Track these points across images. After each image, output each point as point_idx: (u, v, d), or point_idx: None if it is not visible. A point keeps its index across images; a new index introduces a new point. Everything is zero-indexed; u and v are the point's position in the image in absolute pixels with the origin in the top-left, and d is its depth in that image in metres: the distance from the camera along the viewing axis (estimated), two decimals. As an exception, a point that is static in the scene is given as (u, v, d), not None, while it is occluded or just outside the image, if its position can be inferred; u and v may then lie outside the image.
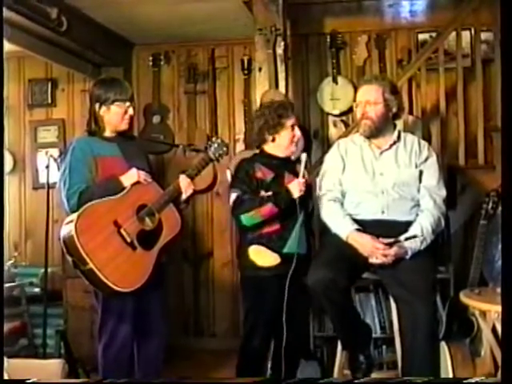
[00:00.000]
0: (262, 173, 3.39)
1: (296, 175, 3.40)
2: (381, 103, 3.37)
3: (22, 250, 5.50)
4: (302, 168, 3.31)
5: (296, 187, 3.28)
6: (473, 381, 2.49)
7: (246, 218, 3.32)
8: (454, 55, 4.36)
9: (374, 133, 3.39)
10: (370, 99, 3.37)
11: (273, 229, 3.34)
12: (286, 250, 3.32)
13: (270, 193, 3.33)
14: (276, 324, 3.34)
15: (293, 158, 3.55)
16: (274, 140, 3.42)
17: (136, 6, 4.54)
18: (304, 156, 3.34)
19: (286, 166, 3.49)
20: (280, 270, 3.29)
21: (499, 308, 2.54)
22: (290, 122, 3.42)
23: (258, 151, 3.53)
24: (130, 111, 3.19)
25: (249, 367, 3.38)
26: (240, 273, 3.52)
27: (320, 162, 3.85)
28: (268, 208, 3.29)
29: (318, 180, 3.52)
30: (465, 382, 2.56)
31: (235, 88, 5.38)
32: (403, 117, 3.94)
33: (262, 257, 3.33)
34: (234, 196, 3.37)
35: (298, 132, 3.45)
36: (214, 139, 3.40)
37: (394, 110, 3.42)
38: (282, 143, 3.42)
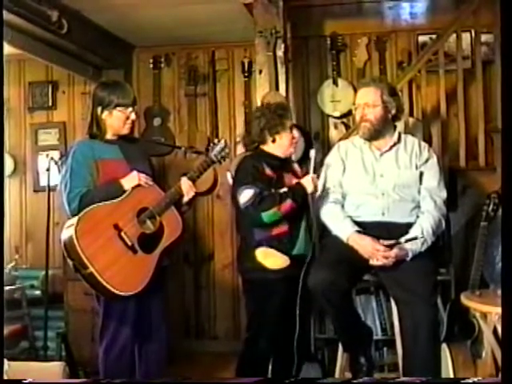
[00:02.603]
0: (270, 171, 3.36)
1: (294, 174, 3.44)
2: (379, 105, 3.37)
3: (22, 252, 5.50)
4: (311, 164, 3.31)
5: (310, 182, 3.28)
6: (470, 381, 2.49)
7: (268, 215, 3.24)
8: (455, 57, 4.36)
9: (374, 135, 3.40)
10: (369, 101, 3.38)
11: (282, 230, 3.31)
12: (295, 252, 3.31)
13: (285, 189, 3.31)
14: (281, 326, 3.34)
15: (293, 158, 3.56)
16: (274, 141, 3.40)
17: (136, 9, 4.54)
18: (313, 152, 3.35)
19: (285, 166, 3.49)
20: (288, 272, 3.28)
21: (500, 310, 2.54)
22: (289, 122, 3.42)
23: (255, 151, 3.49)
24: (132, 116, 3.17)
25: (253, 370, 3.35)
26: (243, 275, 3.47)
27: (320, 164, 3.84)
28: (288, 204, 3.24)
29: (318, 182, 3.52)
30: (463, 382, 2.56)
31: (236, 90, 5.39)
32: (403, 118, 3.94)
33: (272, 259, 3.29)
34: (250, 193, 3.26)
35: (296, 133, 3.47)
36: (216, 141, 3.39)
37: (393, 111, 3.42)
38: (283, 144, 3.41)
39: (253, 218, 3.29)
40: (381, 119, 3.37)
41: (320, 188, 3.44)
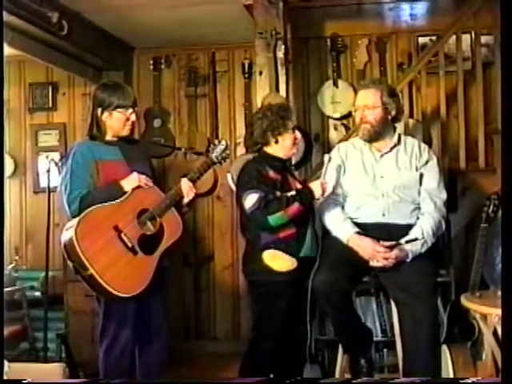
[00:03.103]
0: (273, 174, 3.35)
1: (295, 178, 3.47)
2: (379, 107, 3.37)
3: (22, 253, 5.50)
4: (323, 169, 3.30)
5: (319, 187, 3.25)
6: (469, 381, 2.49)
7: (274, 219, 3.21)
8: (455, 58, 4.36)
9: (374, 136, 3.40)
10: (369, 103, 3.38)
11: (289, 233, 3.28)
12: (302, 254, 3.29)
13: (293, 192, 3.29)
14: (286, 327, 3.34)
15: (293, 159, 3.56)
16: (276, 142, 3.38)
17: (136, 10, 4.54)
18: (327, 157, 3.35)
19: (287, 168, 3.49)
20: (295, 274, 3.26)
21: (500, 311, 2.54)
22: (291, 123, 3.41)
23: (257, 153, 3.48)
24: (133, 117, 3.17)
25: (256, 370, 3.32)
26: (249, 278, 3.43)
27: (320, 165, 3.85)
28: (295, 207, 3.21)
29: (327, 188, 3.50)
30: (461, 382, 2.56)
31: (236, 91, 5.39)
32: (403, 120, 3.94)
33: (280, 261, 3.25)
34: (254, 197, 3.22)
35: (298, 134, 3.45)
36: (216, 142, 3.38)
37: (393, 113, 3.42)
38: (286, 145, 3.39)
39: (259, 221, 3.26)
40: (381, 121, 3.37)
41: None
